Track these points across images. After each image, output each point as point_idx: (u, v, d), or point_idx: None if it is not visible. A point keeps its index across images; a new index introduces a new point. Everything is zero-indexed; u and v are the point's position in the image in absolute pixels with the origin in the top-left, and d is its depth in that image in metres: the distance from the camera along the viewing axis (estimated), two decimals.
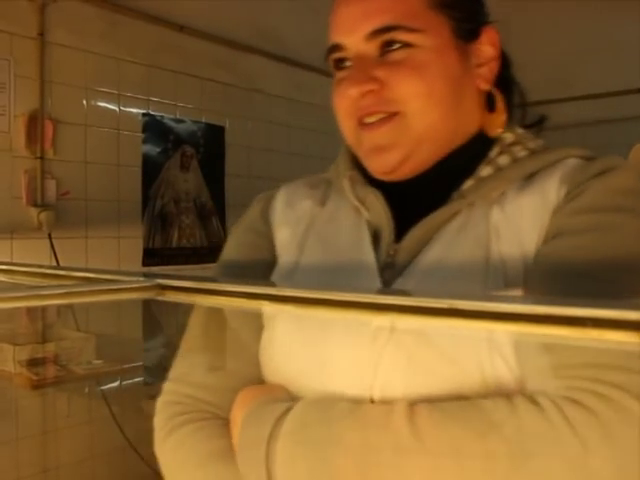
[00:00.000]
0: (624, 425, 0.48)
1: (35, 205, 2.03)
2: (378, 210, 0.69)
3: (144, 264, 2.40)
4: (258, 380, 0.67)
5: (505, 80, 0.72)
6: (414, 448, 0.52)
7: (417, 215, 0.66)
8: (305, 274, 0.70)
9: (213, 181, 2.67)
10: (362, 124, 0.67)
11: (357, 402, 0.58)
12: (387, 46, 0.64)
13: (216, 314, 0.70)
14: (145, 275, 0.42)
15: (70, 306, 1.98)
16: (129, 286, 0.40)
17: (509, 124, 0.71)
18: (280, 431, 0.56)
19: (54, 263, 2.05)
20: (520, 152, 0.68)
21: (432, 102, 0.64)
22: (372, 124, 0.66)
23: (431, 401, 0.55)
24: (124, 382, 2.27)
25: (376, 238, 0.68)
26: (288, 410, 0.58)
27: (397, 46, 0.64)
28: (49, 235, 2.04)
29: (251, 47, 2.73)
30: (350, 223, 0.71)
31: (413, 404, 0.54)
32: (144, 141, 2.41)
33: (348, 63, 0.68)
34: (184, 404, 0.66)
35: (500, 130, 0.69)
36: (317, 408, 0.58)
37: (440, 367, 0.57)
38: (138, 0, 2.28)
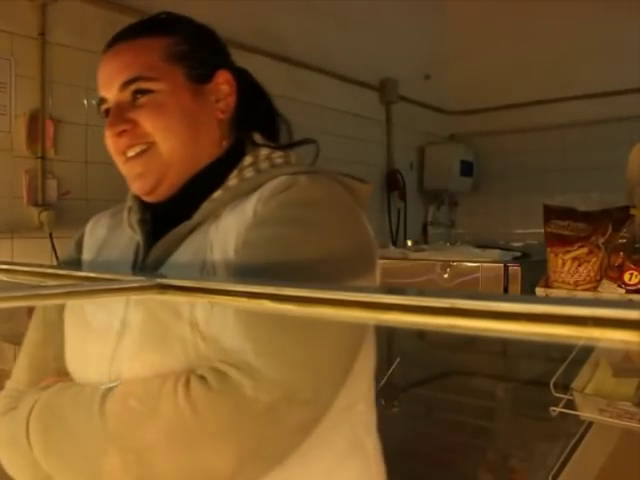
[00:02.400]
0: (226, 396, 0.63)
1: (36, 205, 2.03)
2: (140, 233, 0.84)
3: None
4: (65, 372, 0.82)
5: (255, 108, 0.93)
6: (96, 426, 0.68)
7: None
8: None
9: None
10: (126, 159, 0.83)
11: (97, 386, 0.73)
12: (136, 93, 0.82)
13: (42, 315, 0.89)
14: (145, 274, 0.42)
15: None
16: (130, 285, 0.40)
17: (261, 147, 0.86)
18: (31, 415, 0.73)
19: (55, 263, 2.05)
20: (249, 173, 0.81)
21: (171, 133, 0.81)
22: (132, 157, 0.82)
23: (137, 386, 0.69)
24: None
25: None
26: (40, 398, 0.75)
27: (142, 92, 0.81)
28: (50, 235, 2.04)
29: (251, 46, 2.73)
30: (125, 245, 0.86)
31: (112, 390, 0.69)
32: None
33: None
34: (10, 396, 0.83)
35: (218, 150, 0.85)
36: (57, 394, 0.75)
37: (152, 358, 0.71)
38: (138, 0, 2.28)
